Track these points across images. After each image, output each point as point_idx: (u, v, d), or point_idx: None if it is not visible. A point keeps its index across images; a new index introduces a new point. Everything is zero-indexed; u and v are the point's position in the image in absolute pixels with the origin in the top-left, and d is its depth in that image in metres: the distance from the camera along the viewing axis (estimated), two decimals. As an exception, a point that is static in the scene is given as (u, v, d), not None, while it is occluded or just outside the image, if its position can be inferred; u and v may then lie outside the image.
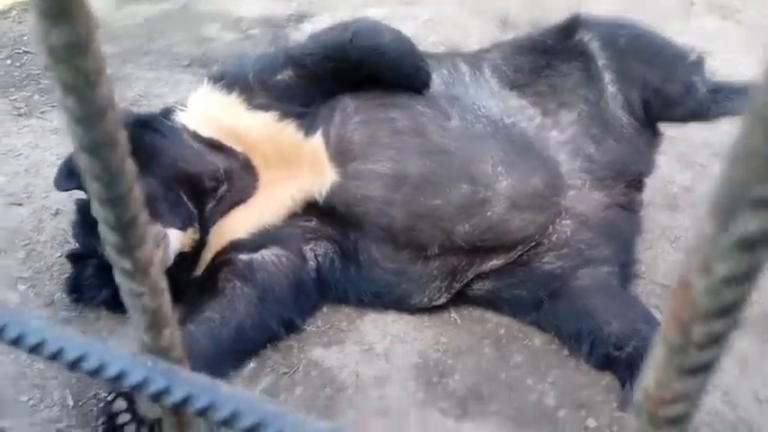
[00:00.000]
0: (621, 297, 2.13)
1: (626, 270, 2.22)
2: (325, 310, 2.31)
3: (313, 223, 2.28)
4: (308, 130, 2.20)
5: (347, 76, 2.19)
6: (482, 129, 2.17)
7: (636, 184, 2.32)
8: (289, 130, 2.21)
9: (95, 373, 0.43)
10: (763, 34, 3.92)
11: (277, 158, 2.24)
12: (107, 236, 0.38)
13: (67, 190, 2.34)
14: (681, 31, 3.08)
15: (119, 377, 0.42)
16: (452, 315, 2.27)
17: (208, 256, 2.28)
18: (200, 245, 2.22)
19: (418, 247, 2.15)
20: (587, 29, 2.32)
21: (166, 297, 0.42)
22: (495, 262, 2.16)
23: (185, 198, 2.17)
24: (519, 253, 2.16)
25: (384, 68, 2.18)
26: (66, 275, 2.35)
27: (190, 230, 2.17)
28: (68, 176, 2.28)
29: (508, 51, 2.37)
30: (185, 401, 0.41)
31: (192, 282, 2.27)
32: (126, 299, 0.43)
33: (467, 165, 2.10)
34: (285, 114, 2.21)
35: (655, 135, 2.36)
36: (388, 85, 2.20)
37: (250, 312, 2.17)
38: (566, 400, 1.99)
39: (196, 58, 4.04)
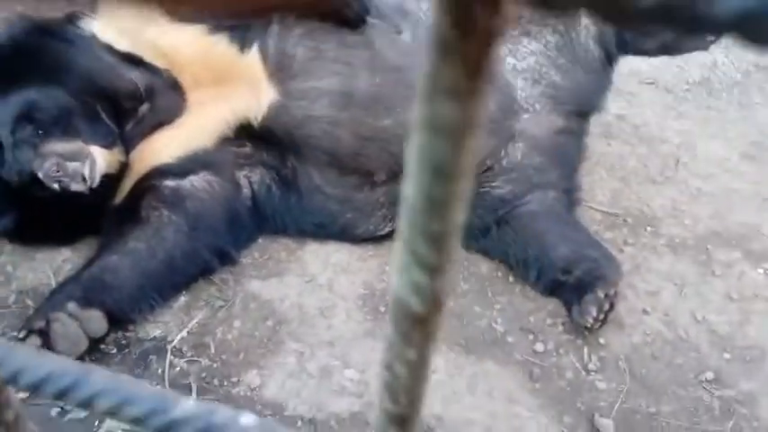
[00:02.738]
0: (568, 222, 2.12)
1: (570, 196, 2.21)
2: (261, 241, 2.16)
3: (247, 148, 2.10)
4: (243, 45, 1.99)
5: None
6: None
7: (587, 114, 2.30)
8: (221, 46, 1.99)
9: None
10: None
11: (208, 76, 2.02)
12: None
13: None
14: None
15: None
16: (396, 243, 2.19)
17: (128, 182, 2.06)
18: (121, 169, 1.99)
19: (365, 173, 2.03)
20: None
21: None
22: (444, 188, 2.08)
23: (104, 115, 1.93)
24: (470, 178, 2.08)
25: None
26: None
27: (115, 150, 1.94)
28: None
29: None
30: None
31: (110, 210, 2.05)
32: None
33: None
34: (215, 27, 1.99)
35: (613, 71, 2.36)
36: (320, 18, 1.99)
37: (179, 242, 1.99)
38: (514, 326, 1.98)
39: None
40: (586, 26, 2.23)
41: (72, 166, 1.81)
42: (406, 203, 0.24)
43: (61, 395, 0.29)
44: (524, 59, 2.19)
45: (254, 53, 2.00)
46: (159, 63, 2.04)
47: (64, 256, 2.04)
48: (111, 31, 2.03)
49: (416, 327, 0.26)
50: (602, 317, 1.87)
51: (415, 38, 2.06)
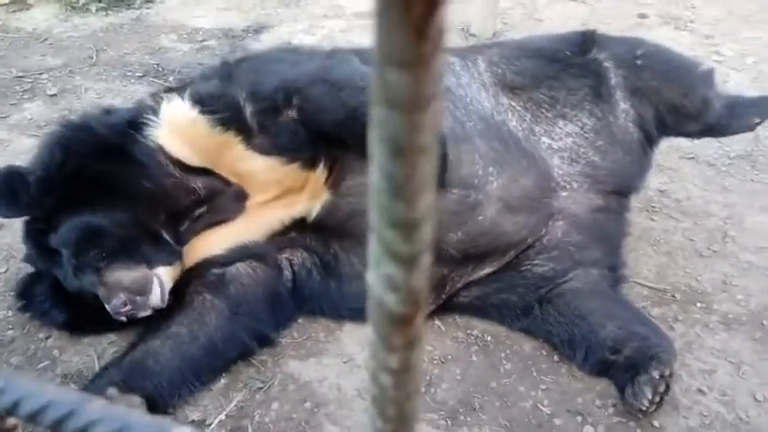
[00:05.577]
0: (614, 299, 2.06)
1: (615, 272, 2.15)
2: (300, 320, 2.16)
3: (292, 234, 2.12)
4: (313, 166, 2.02)
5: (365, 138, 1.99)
6: (472, 127, 2.08)
7: (627, 193, 2.29)
8: (294, 172, 2.01)
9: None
10: (713, 42, 4.01)
11: (275, 190, 2.05)
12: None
13: (11, 217, 2.06)
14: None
15: None
16: (436, 322, 2.15)
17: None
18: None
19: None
20: (601, 47, 2.27)
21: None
22: (487, 269, 2.06)
23: (164, 232, 1.96)
24: (511, 258, 2.06)
25: None
26: (21, 277, 2.14)
27: (177, 263, 1.99)
28: (10, 202, 1.92)
29: (511, 51, 2.28)
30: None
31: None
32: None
33: (456, 168, 1.99)
34: (290, 159, 1.99)
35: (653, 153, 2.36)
36: None
37: (220, 326, 2.00)
38: (561, 408, 1.89)
39: (151, 69, 3.86)
40: (625, 110, 2.25)
41: (140, 300, 1.85)
42: (372, 189, 0.25)
43: (58, 423, 0.29)
44: (560, 140, 2.20)
45: (320, 170, 2.02)
46: (232, 178, 2.04)
47: (109, 339, 2.07)
48: (179, 145, 1.97)
49: (396, 329, 0.25)
50: (657, 399, 1.78)
51: (454, 121, 2.10)
